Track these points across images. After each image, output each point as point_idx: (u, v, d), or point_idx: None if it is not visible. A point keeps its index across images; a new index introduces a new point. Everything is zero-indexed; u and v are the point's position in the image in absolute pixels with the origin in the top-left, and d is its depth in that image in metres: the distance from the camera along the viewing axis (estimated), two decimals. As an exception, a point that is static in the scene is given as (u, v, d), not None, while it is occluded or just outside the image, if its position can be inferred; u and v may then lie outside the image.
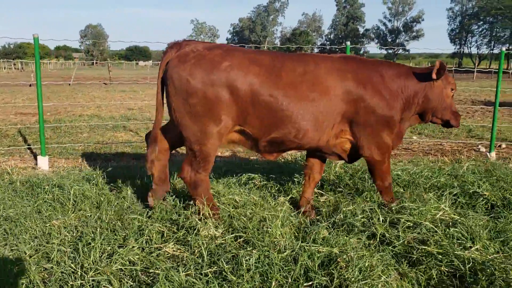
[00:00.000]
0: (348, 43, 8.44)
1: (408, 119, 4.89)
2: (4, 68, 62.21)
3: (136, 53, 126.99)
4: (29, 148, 9.02)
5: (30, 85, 31.59)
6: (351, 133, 4.61)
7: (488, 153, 8.73)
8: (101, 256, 3.59)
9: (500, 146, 10.07)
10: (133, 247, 3.71)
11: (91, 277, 3.27)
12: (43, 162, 7.29)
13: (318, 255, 3.41)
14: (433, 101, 4.79)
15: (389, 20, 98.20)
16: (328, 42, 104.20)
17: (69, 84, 33.05)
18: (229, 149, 8.82)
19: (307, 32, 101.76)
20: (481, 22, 72.41)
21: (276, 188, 5.59)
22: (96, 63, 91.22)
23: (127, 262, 3.53)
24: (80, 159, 8.02)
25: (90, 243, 3.75)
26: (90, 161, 7.75)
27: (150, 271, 3.43)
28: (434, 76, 4.66)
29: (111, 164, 7.10)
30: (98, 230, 4.03)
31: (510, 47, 68.63)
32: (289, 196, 5.21)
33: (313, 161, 5.08)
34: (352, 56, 4.90)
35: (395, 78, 4.67)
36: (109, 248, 3.71)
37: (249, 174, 5.88)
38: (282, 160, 7.43)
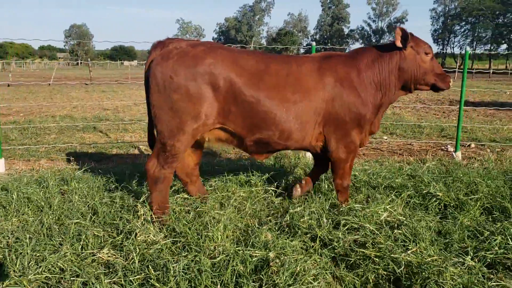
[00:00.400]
0: (314, 43, 8.41)
1: (391, 98, 4.88)
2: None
3: (121, 53, 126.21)
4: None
5: (8, 85, 31.16)
6: (324, 131, 4.63)
7: (454, 153, 8.74)
8: (29, 263, 3.46)
9: (469, 145, 10.10)
10: (65, 252, 3.58)
11: (6, 286, 3.14)
12: (-1, 164, 7.10)
13: (251, 259, 3.32)
14: (409, 70, 4.73)
15: (374, 21, 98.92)
16: (313, 42, 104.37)
17: (49, 84, 32.64)
18: (219, 148, 8.71)
19: (292, 32, 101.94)
20: (464, 23, 73.26)
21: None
22: (80, 63, 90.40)
23: (57, 269, 3.40)
24: (41, 161, 7.84)
25: (19, 251, 3.62)
26: (49, 163, 7.57)
27: (79, 279, 3.31)
28: (398, 44, 4.62)
29: (69, 166, 6.94)
30: (34, 235, 3.90)
31: (492, 47, 69.61)
32: (234, 199, 5.06)
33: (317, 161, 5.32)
34: (332, 54, 4.88)
35: (370, 67, 4.69)
36: (39, 254, 3.58)
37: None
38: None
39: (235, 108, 4.30)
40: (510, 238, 3.93)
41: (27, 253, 3.54)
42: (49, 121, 13.05)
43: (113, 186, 5.47)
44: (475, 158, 8.53)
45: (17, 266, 3.38)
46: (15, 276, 3.25)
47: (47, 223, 4.26)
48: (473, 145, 10.14)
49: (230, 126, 4.42)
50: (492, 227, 4.31)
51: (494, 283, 3.20)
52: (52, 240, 3.88)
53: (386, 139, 10.97)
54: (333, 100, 4.52)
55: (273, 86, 4.35)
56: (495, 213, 4.79)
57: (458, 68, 8.44)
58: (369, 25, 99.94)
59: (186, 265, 3.26)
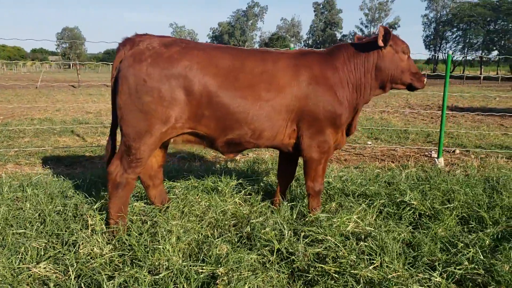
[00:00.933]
0: (292, 45, 8.16)
1: (366, 98, 4.71)
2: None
3: (113, 56, 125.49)
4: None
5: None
6: (297, 130, 4.44)
7: (436, 159, 8.50)
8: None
9: (454, 151, 9.88)
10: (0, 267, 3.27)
11: None
12: (-41, 169, 6.76)
13: (197, 276, 3.03)
14: (387, 69, 4.60)
15: (366, 26, 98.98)
16: (306, 47, 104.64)
17: (36, 87, 32.22)
18: (185, 149, 8.44)
19: (285, 37, 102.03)
20: (455, 29, 73.52)
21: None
22: (72, 65, 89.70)
23: (-15, 286, 3.09)
24: (7, 165, 7.50)
25: None
26: (16, 168, 7.24)
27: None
28: (380, 43, 4.48)
29: (34, 171, 6.62)
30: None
31: (483, 54, 69.84)
32: (196, 207, 4.77)
33: (284, 164, 5.09)
34: (308, 51, 4.72)
35: (347, 65, 4.54)
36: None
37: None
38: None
39: (209, 112, 4.07)
40: (483, 251, 3.67)
41: (-46, 268, 3.23)
42: (26, 124, 12.69)
43: (71, 192, 5.15)
44: (458, 165, 8.30)
45: None
46: None
47: (-12, 233, 3.94)
48: (457, 151, 9.92)
49: (202, 130, 4.18)
50: (467, 238, 4.06)
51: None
52: (-13, 253, 3.56)
53: (370, 144, 10.73)
54: (307, 97, 4.32)
55: (248, 85, 4.14)
56: (472, 223, 4.54)
57: (447, 73, 8.21)
58: (361, 30, 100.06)
59: (124, 281, 2.96)
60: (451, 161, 8.90)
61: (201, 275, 3.06)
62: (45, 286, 3.15)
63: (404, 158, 9.19)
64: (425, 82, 4.77)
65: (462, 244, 3.90)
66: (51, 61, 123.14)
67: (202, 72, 4.00)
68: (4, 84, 34.15)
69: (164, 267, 3.19)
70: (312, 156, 4.51)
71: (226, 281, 2.97)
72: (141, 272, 3.07)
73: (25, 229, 4.02)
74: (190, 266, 3.15)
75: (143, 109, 3.93)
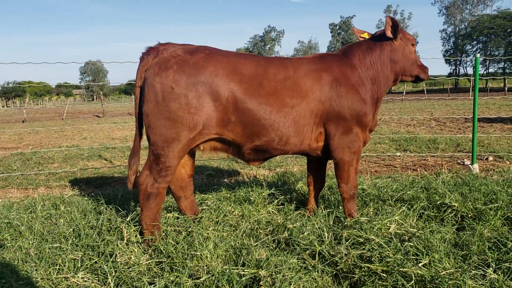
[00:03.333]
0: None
1: (385, 90, 4.82)
2: (3, 106, 62.70)
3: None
4: (-11, 180, 8.58)
5: (23, 121, 31.59)
6: (326, 133, 4.45)
7: (470, 165, 8.24)
8: (-4, 290, 3.11)
9: (487, 159, 9.59)
10: (36, 279, 3.22)
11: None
12: (-8, 193, 6.85)
13: (239, 279, 2.92)
14: (400, 62, 4.76)
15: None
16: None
17: (62, 119, 32.99)
18: (213, 157, 8.42)
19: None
20: (475, 42, 72.63)
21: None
22: (96, 97, 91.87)
23: (24, 297, 3.05)
24: (38, 189, 7.58)
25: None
26: (47, 191, 7.30)
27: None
28: (389, 34, 4.60)
29: (65, 192, 6.65)
30: (9, 261, 3.57)
31: (505, 65, 68.67)
32: (230, 217, 4.67)
33: (313, 171, 5.07)
34: (326, 54, 4.78)
35: (363, 62, 4.64)
36: (5, 282, 3.23)
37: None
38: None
39: (235, 117, 4.05)
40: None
41: (-6, 280, 3.20)
42: (55, 151, 12.89)
43: (103, 208, 5.14)
44: (493, 170, 8.02)
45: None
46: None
47: (24, 248, 3.92)
48: (491, 158, 9.62)
49: (229, 136, 4.16)
50: (517, 237, 3.84)
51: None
52: (26, 265, 3.53)
53: (399, 156, 10.51)
54: (331, 100, 4.34)
55: (272, 91, 4.14)
56: (519, 223, 4.32)
57: (476, 76, 8.05)
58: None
59: (165, 286, 2.87)
60: (485, 167, 8.62)
61: (243, 278, 2.96)
62: (83, 296, 3.09)
63: (436, 167, 8.95)
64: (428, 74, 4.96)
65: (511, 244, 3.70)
66: (75, 94, 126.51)
67: (227, 78, 4.00)
68: (32, 117, 35.11)
69: (205, 271, 3.10)
70: (343, 158, 4.46)
71: (270, 282, 2.85)
72: (182, 277, 2.98)
73: (60, 243, 3.99)
74: (232, 269, 3.05)
75: (170, 117, 3.91)
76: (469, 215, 4.57)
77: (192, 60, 3.98)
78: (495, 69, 75.47)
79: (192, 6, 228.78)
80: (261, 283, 2.86)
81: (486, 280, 2.99)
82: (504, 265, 3.21)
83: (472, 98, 8.12)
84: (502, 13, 65.27)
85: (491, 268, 3.14)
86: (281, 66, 4.31)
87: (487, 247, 3.66)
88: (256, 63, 4.22)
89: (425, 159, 10.01)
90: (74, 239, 4.11)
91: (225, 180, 7.83)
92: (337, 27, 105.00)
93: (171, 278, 3.00)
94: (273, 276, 2.92)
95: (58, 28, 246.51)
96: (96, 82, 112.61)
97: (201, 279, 2.98)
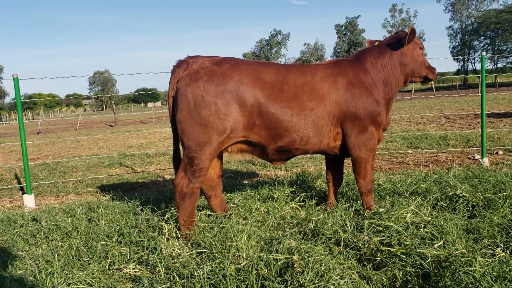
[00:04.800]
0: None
1: (396, 91, 5.21)
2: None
3: (144, 95, 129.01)
4: (21, 189, 9.06)
5: (38, 133, 32.22)
6: (343, 133, 4.85)
7: (480, 159, 8.55)
8: (59, 281, 3.52)
9: (497, 153, 9.88)
10: (93, 270, 3.63)
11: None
12: (29, 200, 7.31)
13: (275, 263, 3.31)
14: (409, 64, 5.14)
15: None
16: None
17: (76, 129, 33.62)
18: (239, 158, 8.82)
19: (309, 61, 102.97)
20: (482, 37, 72.58)
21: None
22: (105, 107, 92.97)
23: (85, 285, 3.45)
24: (69, 195, 8.03)
25: (49, 270, 3.69)
26: (77, 197, 7.75)
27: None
28: (406, 43, 5.03)
29: (96, 197, 7.08)
30: (63, 257, 3.99)
31: (514, 60, 68.50)
32: (256, 213, 5.05)
33: (331, 169, 5.43)
34: (339, 60, 5.18)
35: (375, 65, 5.03)
36: (67, 272, 3.64)
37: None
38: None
39: (260, 121, 4.47)
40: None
41: (57, 272, 3.61)
42: (77, 160, 13.38)
43: (139, 209, 5.56)
44: (503, 163, 8.32)
45: (47, 284, 3.44)
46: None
47: (75, 246, 4.35)
48: (501, 152, 9.91)
49: (254, 138, 4.57)
50: (524, 223, 4.17)
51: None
52: (80, 260, 3.95)
53: (411, 153, 10.83)
54: (347, 101, 4.74)
55: (293, 96, 4.56)
56: (527, 210, 4.64)
57: (483, 73, 8.35)
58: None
59: (211, 271, 3.27)
60: (495, 161, 8.92)
61: (279, 262, 3.34)
62: (136, 284, 3.48)
63: (447, 162, 9.26)
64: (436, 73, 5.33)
65: (520, 227, 4.03)
66: (85, 104, 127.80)
67: (251, 85, 4.42)
68: (45, 128, 35.81)
69: (244, 258, 3.48)
70: (360, 155, 4.85)
71: (303, 264, 3.23)
72: (225, 262, 3.37)
73: (106, 241, 4.39)
74: (268, 255, 3.43)
75: (202, 123, 4.33)
76: (480, 204, 4.90)
77: (219, 71, 4.40)
78: (504, 64, 75.24)
79: (197, 13, 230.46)
80: (295, 265, 3.24)
81: (495, 258, 3.33)
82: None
83: (479, 94, 8.38)
84: (509, 8, 65.18)
85: (499, 248, 3.49)
86: (300, 72, 4.72)
87: (496, 231, 4.01)
88: (277, 71, 4.63)
89: (436, 155, 10.32)
90: (118, 237, 4.51)
91: (245, 181, 8.22)
92: (343, 27, 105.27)
93: (215, 264, 3.39)
94: (305, 260, 3.29)
95: (63, 40, 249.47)
96: (105, 92, 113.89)
97: (241, 264, 3.37)
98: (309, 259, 3.27)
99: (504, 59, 71.63)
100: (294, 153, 4.81)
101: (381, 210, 4.37)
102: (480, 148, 9.51)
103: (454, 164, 8.36)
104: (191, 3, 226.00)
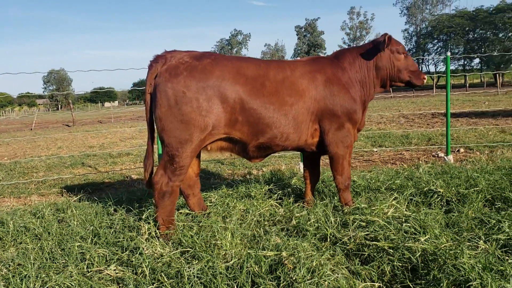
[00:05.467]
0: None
1: (371, 95, 5.19)
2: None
3: (101, 95, 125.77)
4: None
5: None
6: (320, 130, 4.83)
7: (445, 157, 8.82)
8: (35, 285, 3.32)
9: (458, 150, 10.22)
10: (71, 272, 3.46)
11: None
12: (-11, 202, 6.92)
13: (265, 260, 3.25)
14: (385, 68, 5.10)
15: (349, 45, 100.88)
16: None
17: (31, 129, 32.37)
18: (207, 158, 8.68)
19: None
20: (436, 41, 75.19)
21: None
22: (60, 107, 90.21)
23: (64, 288, 3.27)
24: (31, 196, 7.67)
25: (24, 273, 3.49)
26: (40, 198, 7.42)
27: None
28: (384, 49, 4.99)
29: (62, 198, 6.80)
30: (36, 260, 3.78)
31: (465, 63, 71.39)
32: (235, 211, 4.98)
33: (308, 166, 5.41)
34: (318, 57, 5.18)
35: (353, 65, 5.02)
36: (45, 276, 3.45)
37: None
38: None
39: (242, 117, 4.40)
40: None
41: (32, 275, 3.42)
42: (36, 161, 12.84)
43: (112, 209, 5.37)
44: (467, 160, 8.61)
45: (22, 288, 3.25)
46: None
47: (47, 248, 4.14)
48: (462, 150, 10.26)
49: (236, 135, 4.49)
50: (498, 216, 4.29)
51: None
52: (55, 263, 3.76)
53: (376, 151, 11.05)
54: (325, 98, 4.74)
55: (274, 91, 4.51)
56: (498, 203, 4.80)
57: (447, 74, 8.61)
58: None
59: (200, 270, 3.17)
60: (458, 158, 9.22)
61: (268, 259, 3.28)
62: (120, 285, 3.34)
63: (412, 160, 9.50)
64: (425, 79, 5.27)
65: (494, 221, 4.15)
66: (39, 104, 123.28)
67: (233, 81, 4.34)
68: (4, 128, 34.25)
69: (232, 256, 3.41)
70: (337, 152, 4.87)
71: (294, 261, 3.19)
72: (215, 260, 3.29)
73: (81, 242, 4.20)
74: (257, 252, 3.37)
75: (183, 119, 4.20)
76: (453, 199, 5.03)
77: (200, 66, 4.29)
78: (456, 66, 78.23)
79: (155, 12, 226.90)
80: (285, 261, 3.19)
81: (479, 250, 3.41)
82: (492, 237, 3.66)
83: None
84: (460, 12, 67.96)
85: (481, 241, 3.58)
86: (280, 68, 4.69)
87: (473, 225, 4.11)
88: (257, 66, 4.58)
89: (401, 153, 10.57)
90: (93, 238, 4.33)
91: (217, 180, 8.13)
92: (303, 29, 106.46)
93: (203, 263, 3.29)
94: (296, 256, 3.26)
95: (14, 38, 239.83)
96: (60, 91, 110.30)
97: (230, 262, 3.30)
98: (300, 255, 3.23)
99: (456, 61, 74.48)
100: (274, 149, 4.77)
101: (363, 205, 4.40)
102: (445, 146, 9.82)
103: (420, 162, 8.57)
104: (148, 3, 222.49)
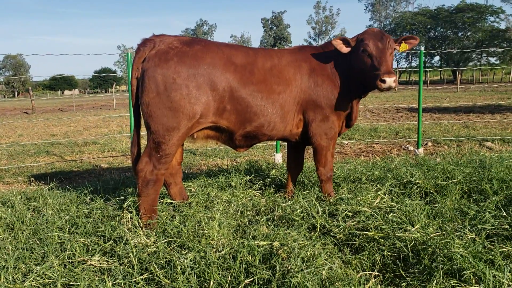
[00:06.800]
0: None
1: (359, 91, 4.87)
2: None
3: (61, 82, 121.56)
4: None
5: None
6: (304, 120, 4.78)
7: (416, 150, 9.01)
8: (15, 276, 3.15)
9: (426, 144, 10.47)
10: (52, 263, 3.29)
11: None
12: (-48, 190, 6.55)
13: (258, 249, 3.20)
14: (356, 66, 4.70)
15: (314, 39, 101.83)
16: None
17: (-13, 116, 30.99)
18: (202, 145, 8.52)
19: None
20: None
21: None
22: (17, 94, 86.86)
23: (46, 280, 3.11)
24: (-4, 185, 7.33)
25: (3, 265, 3.29)
26: (6, 187, 7.09)
27: (72, 283, 3.05)
28: (345, 51, 4.68)
29: (30, 187, 6.52)
30: (12, 251, 3.58)
31: (426, 60, 73.33)
32: (217, 202, 4.89)
33: (292, 156, 5.37)
34: (304, 47, 5.07)
35: (336, 59, 4.83)
36: (24, 267, 3.28)
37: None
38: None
39: (230, 106, 4.30)
40: (493, 215, 4.02)
41: (10, 266, 3.23)
42: (-4, 149, 12.29)
43: (88, 198, 5.17)
44: (437, 154, 8.83)
45: (1, 280, 3.06)
46: (6, 286, 2.95)
47: (22, 238, 3.94)
48: (430, 144, 10.53)
49: (223, 124, 4.39)
50: (477, 207, 4.39)
51: (500, 250, 3.24)
52: (33, 253, 3.57)
53: (347, 143, 11.18)
54: (309, 88, 4.69)
55: (262, 79, 4.44)
56: (474, 195, 4.91)
57: (421, 69, 8.71)
58: (310, 43, 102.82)
59: (192, 259, 3.08)
60: (427, 151, 9.44)
61: (261, 248, 3.23)
62: (104, 276, 3.20)
63: (383, 152, 9.66)
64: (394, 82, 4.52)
65: (474, 212, 4.25)
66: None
67: (224, 68, 4.23)
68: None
69: (223, 245, 3.33)
70: (321, 143, 4.83)
71: (288, 250, 3.15)
72: (207, 250, 3.20)
73: (58, 232, 4.02)
74: (250, 241, 3.31)
75: (172, 106, 4.06)
76: (431, 191, 5.12)
77: (191, 52, 4.15)
78: (417, 63, 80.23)
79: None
80: (279, 251, 3.15)
81: (465, 240, 3.47)
82: (477, 227, 3.74)
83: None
84: (423, 10, 69.80)
85: (467, 230, 3.65)
86: (267, 56, 4.61)
87: (455, 215, 4.20)
88: (246, 53, 4.49)
89: (371, 146, 10.74)
90: (71, 228, 4.15)
91: (192, 171, 8.00)
92: (269, 22, 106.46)
93: (194, 253, 3.20)
94: (289, 245, 3.22)
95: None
96: (17, 78, 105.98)
97: (222, 252, 3.22)
98: (293, 245, 3.20)
99: (417, 58, 76.40)
100: (261, 138, 4.70)
101: (349, 195, 4.41)
102: (413, 139, 10.06)
103: (393, 154, 8.72)
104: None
